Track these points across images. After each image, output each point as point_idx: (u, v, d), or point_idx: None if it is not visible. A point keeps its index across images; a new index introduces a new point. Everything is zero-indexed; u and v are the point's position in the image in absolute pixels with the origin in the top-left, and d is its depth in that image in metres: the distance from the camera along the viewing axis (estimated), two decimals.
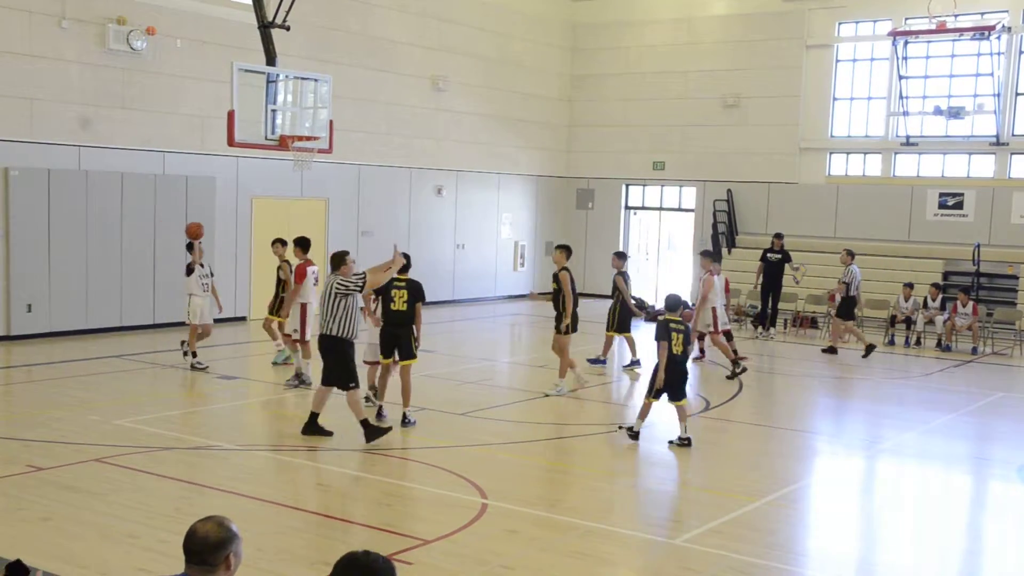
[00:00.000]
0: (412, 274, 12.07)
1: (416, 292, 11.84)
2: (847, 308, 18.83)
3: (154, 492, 8.94)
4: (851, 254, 19.17)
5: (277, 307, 14.95)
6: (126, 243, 18.18)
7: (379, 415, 12.02)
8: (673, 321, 11.34)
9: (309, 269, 14.16)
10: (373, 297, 12.25)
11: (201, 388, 14.05)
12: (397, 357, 11.96)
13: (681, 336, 11.26)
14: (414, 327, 11.94)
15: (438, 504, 8.98)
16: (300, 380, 13.88)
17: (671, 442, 11.25)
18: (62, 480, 9.15)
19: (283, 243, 15.01)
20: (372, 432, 10.81)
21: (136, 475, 9.40)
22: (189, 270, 15.05)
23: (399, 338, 11.84)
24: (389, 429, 10.91)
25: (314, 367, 12.90)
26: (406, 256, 12.17)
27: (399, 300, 11.76)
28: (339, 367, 10.90)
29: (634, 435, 11.33)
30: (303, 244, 14.34)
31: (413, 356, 11.94)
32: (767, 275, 20.64)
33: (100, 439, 10.63)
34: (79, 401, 12.56)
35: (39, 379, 14.13)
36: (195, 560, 3.76)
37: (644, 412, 11.39)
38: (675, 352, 11.21)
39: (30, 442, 10.49)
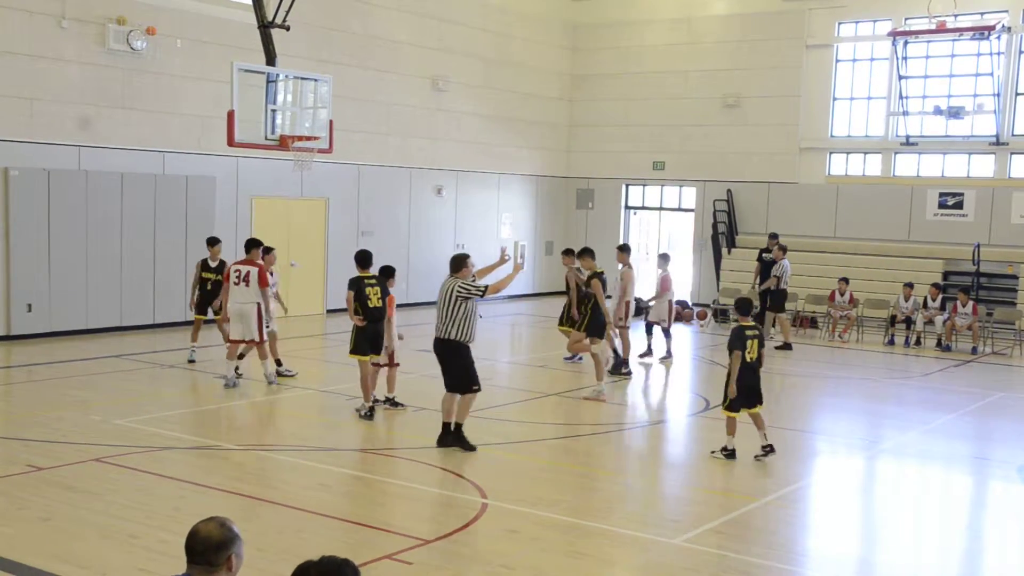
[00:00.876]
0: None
1: (385, 288, 12.25)
2: (779, 301, 19.65)
3: (154, 492, 8.94)
4: (783, 249, 20.10)
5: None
6: (126, 243, 18.18)
7: (371, 414, 12.07)
8: (748, 327, 10.71)
9: (234, 267, 13.64)
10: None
11: (201, 388, 14.06)
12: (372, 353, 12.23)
13: (756, 342, 10.66)
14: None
15: (438, 504, 8.97)
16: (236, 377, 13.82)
17: (757, 456, 10.71)
18: (62, 480, 9.15)
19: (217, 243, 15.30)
20: (462, 442, 10.57)
21: (136, 475, 9.40)
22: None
23: (379, 333, 12.18)
24: (474, 449, 10.61)
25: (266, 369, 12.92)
26: (369, 253, 12.50)
27: (374, 297, 12.09)
28: (460, 371, 10.70)
29: (730, 454, 10.69)
30: (249, 245, 13.97)
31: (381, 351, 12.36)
32: (763, 275, 20.70)
33: (100, 439, 10.63)
34: (79, 401, 12.56)
35: (39, 379, 14.12)
36: (197, 560, 3.76)
37: (731, 427, 10.75)
38: (749, 359, 10.62)
39: (30, 442, 10.50)
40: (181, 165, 19.02)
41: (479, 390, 10.84)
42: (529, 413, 13.11)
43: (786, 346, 19.23)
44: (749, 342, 10.59)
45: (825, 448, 12.12)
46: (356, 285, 12.04)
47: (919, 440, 12.34)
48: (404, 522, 8.52)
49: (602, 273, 14.22)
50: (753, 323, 10.89)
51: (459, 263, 10.80)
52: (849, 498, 10.11)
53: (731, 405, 10.69)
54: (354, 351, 12.19)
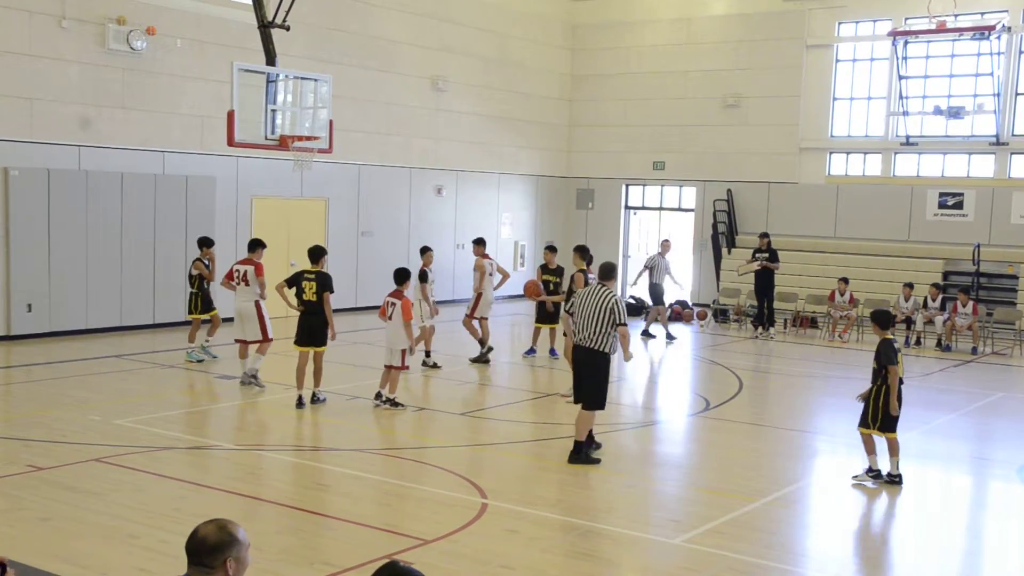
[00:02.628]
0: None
1: (324, 283, 12.57)
2: (657, 295, 20.63)
3: (154, 492, 8.94)
4: (669, 244, 21.45)
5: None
6: (126, 243, 18.18)
7: (300, 403, 12.56)
8: (894, 340, 9.95)
9: (235, 267, 14.12)
10: (286, 287, 12.88)
11: (201, 388, 14.06)
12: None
13: (901, 355, 9.96)
14: (326, 316, 12.63)
15: (438, 504, 8.97)
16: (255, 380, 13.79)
17: (856, 478, 10.12)
18: (62, 480, 9.15)
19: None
20: (584, 458, 10.30)
21: (136, 475, 9.40)
22: (423, 276, 15.44)
23: (312, 326, 12.61)
24: (598, 462, 10.33)
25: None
26: (322, 248, 13.01)
27: (309, 291, 12.58)
28: (600, 386, 10.27)
29: (895, 478, 9.94)
30: (251, 245, 14.38)
31: (324, 343, 12.72)
32: (758, 275, 20.79)
33: (100, 439, 10.63)
34: (79, 401, 12.56)
35: (39, 379, 14.12)
36: (194, 560, 3.76)
37: (895, 448, 9.97)
38: (900, 375, 9.90)
39: (30, 442, 10.50)
40: (181, 165, 19.03)
41: (602, 410, 10.49)
42: (529, 413, 13.10)
43: (670, 337, 20.06)
44: (898, 355, 9.90)
45: (825, 448, 12.11)
46: (294, 278, 12.71)
47: (919, 440, 12.33)
48: (404, 522, 8.52)
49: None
50: (893, 337, 10.03)
51: (612, 271, 10.46)
52: (849, 498, 10.10)
53: (894, 425, 9.89)
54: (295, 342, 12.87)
